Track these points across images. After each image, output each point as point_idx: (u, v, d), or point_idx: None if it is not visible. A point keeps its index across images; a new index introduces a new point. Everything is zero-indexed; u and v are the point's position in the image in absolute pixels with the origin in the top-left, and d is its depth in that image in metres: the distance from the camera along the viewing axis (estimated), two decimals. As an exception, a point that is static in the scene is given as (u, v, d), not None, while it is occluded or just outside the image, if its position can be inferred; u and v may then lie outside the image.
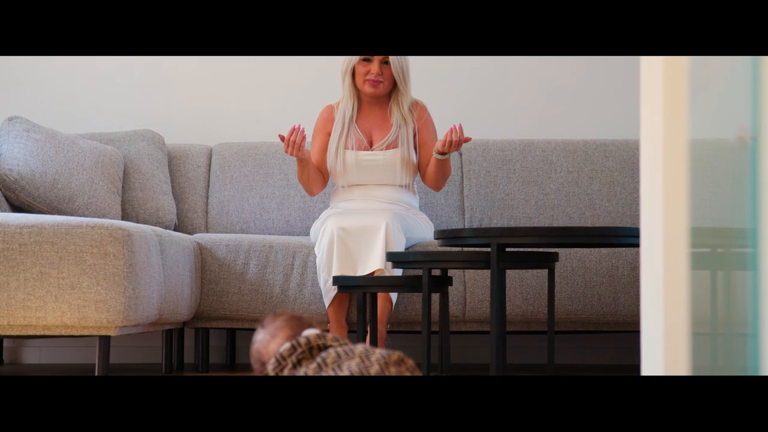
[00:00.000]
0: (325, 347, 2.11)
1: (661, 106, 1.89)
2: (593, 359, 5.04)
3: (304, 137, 4.23)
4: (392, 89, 4.53)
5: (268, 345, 2.19)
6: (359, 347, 2.05)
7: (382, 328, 4.20)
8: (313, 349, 2.10)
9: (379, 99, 4.54)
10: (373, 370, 1.97)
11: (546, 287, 4.37)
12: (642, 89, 1.97)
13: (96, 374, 3.58)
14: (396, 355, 2.02)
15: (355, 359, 2.00)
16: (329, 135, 4.54)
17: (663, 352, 1.87)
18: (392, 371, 1.98)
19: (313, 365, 2.05)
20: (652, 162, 1.91)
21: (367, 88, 4.46)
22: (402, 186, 4.51)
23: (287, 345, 2.11)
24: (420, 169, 4.57)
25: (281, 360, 2.10)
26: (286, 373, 2.07)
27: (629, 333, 4.74)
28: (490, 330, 3.65)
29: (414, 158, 4.52)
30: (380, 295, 4.22)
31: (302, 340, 2.11)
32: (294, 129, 4.20)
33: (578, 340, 5.04)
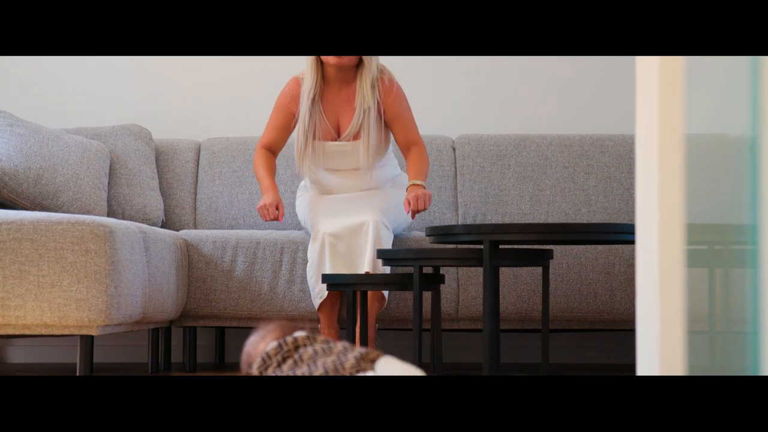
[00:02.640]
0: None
1: (657, 100, 1.84)
2: (589, 358, 4.96)
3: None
4: (360, 63, 4.24)
5: (257, 345, 2.17)
6: (339, 345, 2.02)
7: (371, 330, 4.11)
8: (299, 349, 2.07)
9: (345, 74, 4.24)
10: (348, 365, 1.93)
11: (540, 284, 4.29)
12: (638, 83, 1.91)
13: (77, 374, 3.48)
14: (375, 353, 1.97)
15: (332, 356, 1.96)
16: (292, 115, 4.29)
17: (659, 351, 1.80)
18: (368, 368, 1.93)
19: (290, 362, 2.02)
20: (647, 157, 1.86)
21: (331, 60, 4.16)
22: (373, 167, 4.31)
23: (274, 344, 2.10)
24: (397, 143, 4.34)
25: (267, 359, 2.08)
26: (270, 372, 2.04)
27: (626, 331, 4.67)
28: (483, 328, 3.57)
29: (382, 139, 4.28)
30: (370, 295, 4.14)
31: (289, 340, 2.09)
32: (272, 216, 4.14)
33: (573, 338, 4.95)
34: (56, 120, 4.97)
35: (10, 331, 3.42)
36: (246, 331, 4.87)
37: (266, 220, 4.14)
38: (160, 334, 4.37)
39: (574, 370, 4.47)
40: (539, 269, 4.29)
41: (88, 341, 3.50)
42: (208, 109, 5.14)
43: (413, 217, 4.16)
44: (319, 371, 1.95)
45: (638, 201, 1.92)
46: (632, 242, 3.64)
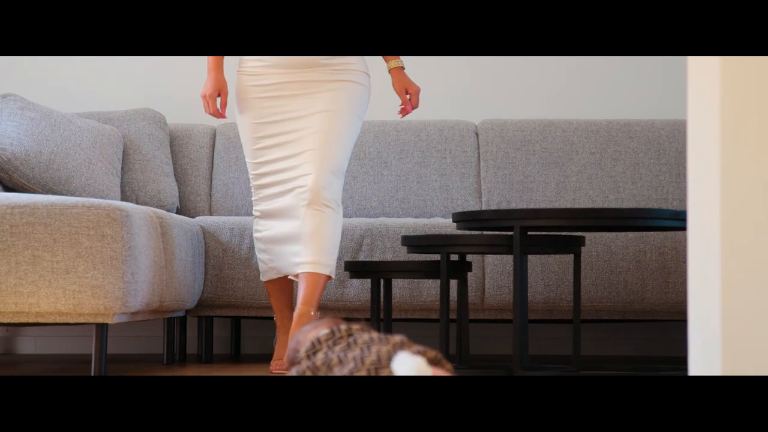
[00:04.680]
0: None
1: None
2: (618, 350, 4.81)
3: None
4: None
5: (308, 333, 2.10)
6: (397, 338, 1.94)
7: (306, 308, 3.58)
8: (352, 335, 2.02)
9: None
10: None
11: (569, 273, 4.16)
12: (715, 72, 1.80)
13: (92, 364, 3.36)
14: (434, 352, 1.88)
15: (388, 346, 1.87)
16: None
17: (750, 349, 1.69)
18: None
19: (342, 344, 1.96)
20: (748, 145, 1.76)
21: None
22: None
23: (326, 330, 2.04)
24: None
25: (316, 343, 2.01)
26: (318, 356, 1.97)
27: (656, 322, 4.55)
28: (513, 319, 3.44)
29: None
30: (308, 276, 3.62)
31: (343, 327, 2.03)
32: (212, 111, 3.77)
33: (602, 329, 4.81)
34: (68, 104, 4.86)
35: (23, 319, 3.30)
36: (264, 321, 4.77)
37: (207, 113, 3.83)
38: (175, 324, 4.25)
39: (605, 363, 4.33)
40: (568, 257, 4.16)
41: (103, 330, 3.37)
42: (224, 94, 5.00)
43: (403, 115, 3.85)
44: (372, 357, 1.87)
45: (721, 188, 1.82)
46: (668, 228, 3.53)
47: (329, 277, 3.61)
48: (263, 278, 3.84)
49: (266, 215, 3.78)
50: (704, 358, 1.84)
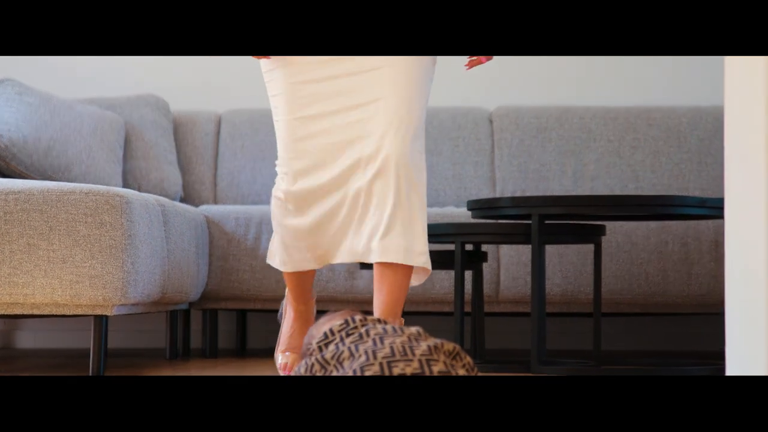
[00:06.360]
0: None
1: None
2: (638, 344, 4.67)
3: None
4: None
5: (322, 326, 2.03)
6: (413, 329, 1.86)
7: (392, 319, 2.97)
8: (366, 327, 1.94)
9: None
10: (419, 351, 1.73)
11: (587, 264, 4.02)
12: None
13: (90, 359, 3.21)
14: (452, 345, 1.81)
15: (403, 337, 1.76)
16: None
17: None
18: (441, 359, 1.72)
19: (354, 336, 1.88)
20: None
21: None
22: None
23: (339, 321, 1.98)
24: None
25: (330, 334, 1.95)
26: (330, 347, 1.90)
27: (678, 316, 4.42)
28: (531, 312, 3.30)
29: None
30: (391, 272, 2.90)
31: (357, 318, 1.96)
32: None
33: (621, 323, 4.67)
34: (68, 89, 4.77)
35: (18, 311, 3.16)
36: (271, 315, 4.64)
37: None
38: (178, 317, 4.12)
39: (627, 358, 4.19)
40: (586, 247, 4.02)
41: (102, 322, 3.23)
42: (229, 79, 4.89)
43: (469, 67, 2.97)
44: (385, 350, 1.79)
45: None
46: (693, 217, 3.41)
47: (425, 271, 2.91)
48: (285, 268, 3.04)
49: (301, 195, 2.93)
50: (744, 357, 1.70)
